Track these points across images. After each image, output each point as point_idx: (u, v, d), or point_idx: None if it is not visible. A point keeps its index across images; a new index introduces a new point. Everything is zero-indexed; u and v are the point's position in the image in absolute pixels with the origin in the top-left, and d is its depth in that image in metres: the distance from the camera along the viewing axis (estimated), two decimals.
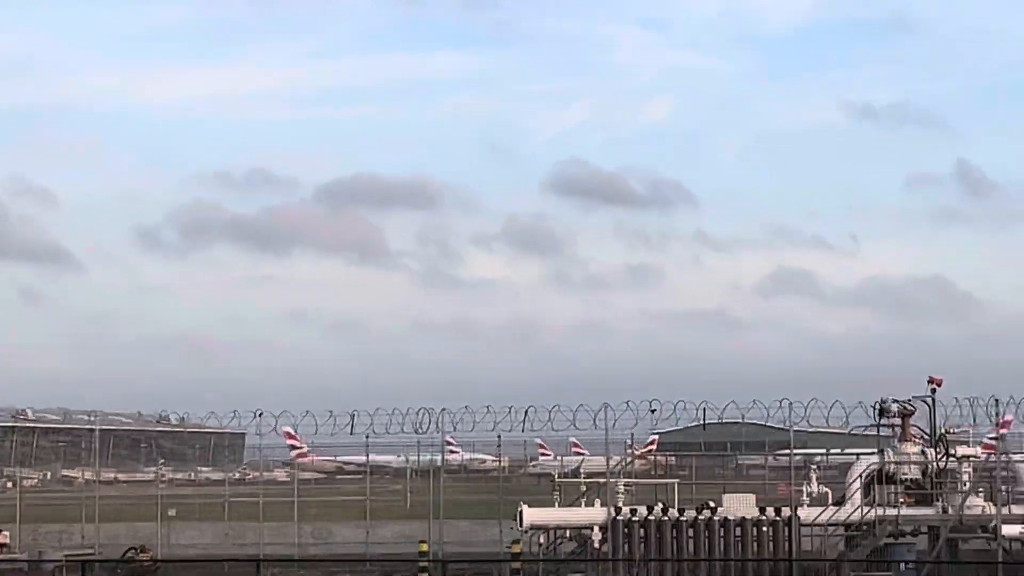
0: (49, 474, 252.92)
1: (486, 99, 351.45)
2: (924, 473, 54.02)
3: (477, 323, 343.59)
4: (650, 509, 50.92)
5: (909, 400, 54.73)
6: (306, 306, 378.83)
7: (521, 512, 50.67)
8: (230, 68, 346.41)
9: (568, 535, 52.14)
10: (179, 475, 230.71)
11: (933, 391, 54.52)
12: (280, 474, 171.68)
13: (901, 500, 53.18)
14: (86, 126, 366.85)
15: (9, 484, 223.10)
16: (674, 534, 50.81)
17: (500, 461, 77.09)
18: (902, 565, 51.10)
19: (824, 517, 52.33)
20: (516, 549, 52.03)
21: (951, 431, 55.19)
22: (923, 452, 54.11)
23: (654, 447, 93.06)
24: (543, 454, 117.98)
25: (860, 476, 53.66)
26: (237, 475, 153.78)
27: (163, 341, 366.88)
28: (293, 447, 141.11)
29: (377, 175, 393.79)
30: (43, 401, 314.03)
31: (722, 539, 50.93)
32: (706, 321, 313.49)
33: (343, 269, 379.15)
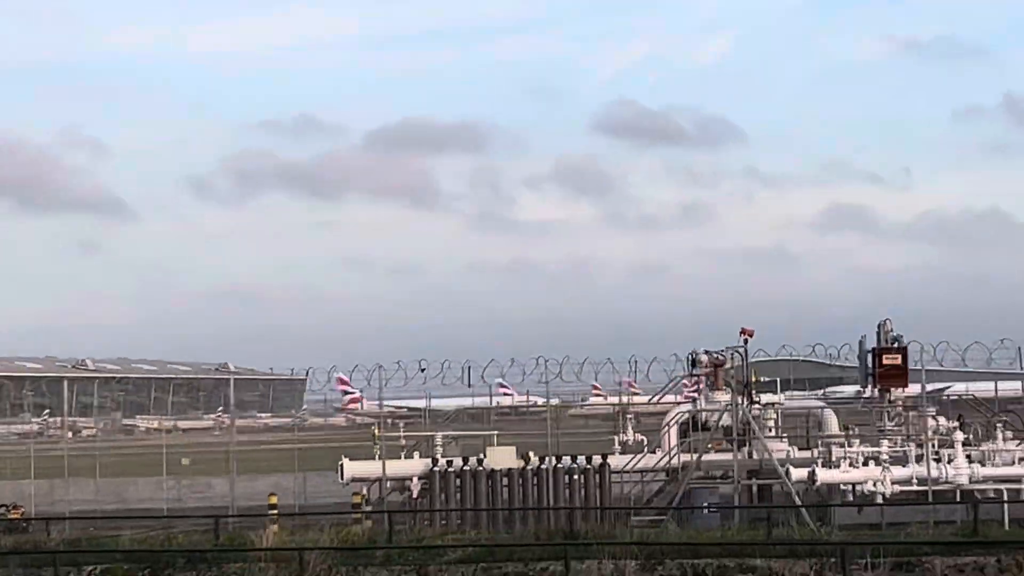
0: (110, 423, 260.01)
1: (534, 41, 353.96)
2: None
3: (531, 265, 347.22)
4: (465, 460, 54.79)
5: (721, 351, 58.35)
6: (361, 252, 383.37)
7: (342, 465, 54.59)
8: (277, 16, 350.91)
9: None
10: (239, 422, 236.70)
11: (745, 341, 58.03)
12: (339, 420, 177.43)
13: (710, 446, 56.89)
14: (136, 77, 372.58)
15: (70, 434, 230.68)
16: (489, 484, 54.62)
17: (548, 402, 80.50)
18: (705, 509, 54.60)
19: (635, 465, 56.12)
20: (356, 500, 56.20)
21: (760, 380, 58.93)
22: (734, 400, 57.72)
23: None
24: (596, 394, 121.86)
25: (668, 424, 57.33)
26: (296, 421, 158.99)
27: (220, 289, 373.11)
28: (346, 392, 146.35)
29: (426, 119, 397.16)
30: (103, 351, 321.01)
31: (535, 488, 54.74)
32: (761, 258, 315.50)
33: (396, 214, 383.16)
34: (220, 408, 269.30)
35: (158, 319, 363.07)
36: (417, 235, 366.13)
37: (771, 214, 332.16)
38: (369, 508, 54.54)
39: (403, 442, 55.87)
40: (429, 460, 54.67)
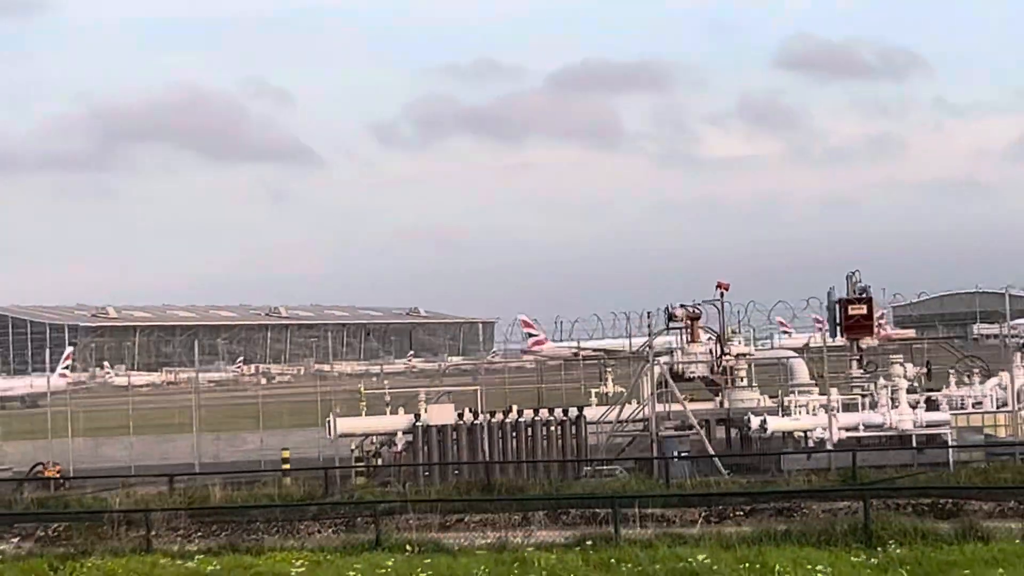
0: (303, 369, 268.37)
1: None
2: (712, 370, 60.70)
3: (717, 202, 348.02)
4: (475, 414, 57.91)
5: (696, 304, 61.34)
6: (545, 194, 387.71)
7: (330, 422, 58.61)
8: None
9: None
10: (429, 365, 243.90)
11: (721, 295, 60.99)
12: (527, 361, 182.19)
13: (684, 396, 59.91)
14: (317, 25, 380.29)
15: (263, 380, 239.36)
16: (469, 438, 58.19)
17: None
18: (674, 456, 57.57)
19: (611, 416, 59.34)
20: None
21: (733, 331, 61.72)
22: (710, 352, 60.73)
23: (883, 321, 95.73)
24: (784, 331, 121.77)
25: (638, 376, 60.36)
26: (486, 362, 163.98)
27: (408, 234, 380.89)
28: (530, 335, 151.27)
29: (606, 60, 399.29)
30: (295, 298, 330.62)
31: (514, 439, 58.22)
32: (952, 189, 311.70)
33: (579, 155, 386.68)
34: (411, 352, 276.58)
35: (348, 265, 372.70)
36: (601, 176, 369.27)
37: (961, 144, 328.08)
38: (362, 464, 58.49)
39: (387, 398, 59.62)
40: (412, 416, 58.33)
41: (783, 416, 56.35)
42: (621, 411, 58.61)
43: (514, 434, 57.40)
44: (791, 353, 64.40)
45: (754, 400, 59.20)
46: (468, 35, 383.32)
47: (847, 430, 55.73)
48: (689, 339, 61.01)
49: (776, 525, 35.22)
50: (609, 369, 63.30)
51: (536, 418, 57.03)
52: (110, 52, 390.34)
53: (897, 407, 55.79)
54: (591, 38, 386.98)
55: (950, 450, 51.01)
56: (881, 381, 56.82)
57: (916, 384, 58.79)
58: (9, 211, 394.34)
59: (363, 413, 59.48)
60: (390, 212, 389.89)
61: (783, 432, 56.64)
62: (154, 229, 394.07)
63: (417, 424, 57.82)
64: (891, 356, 59.54)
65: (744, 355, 60.14)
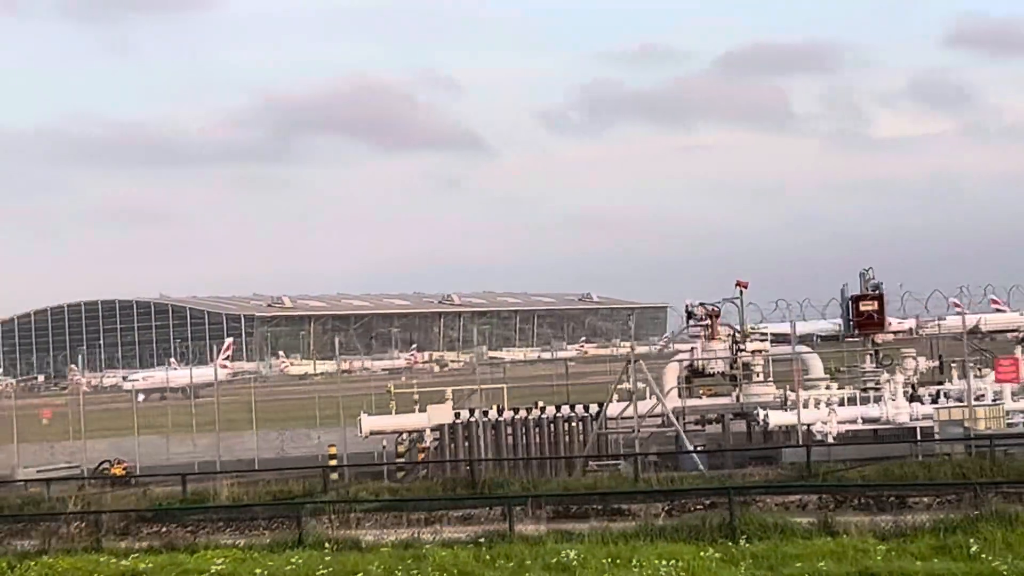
0: (475, 357, 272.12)
1: None
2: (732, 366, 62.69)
3: (890, 182, 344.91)
4: (471, 412, 61.20)
5: (717, 303, 63.39)
6: (716, 176, 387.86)
7: (360, 420, 61.80)
8: None
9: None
10: (602, 351, 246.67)
11: (740, 293, 63.00)
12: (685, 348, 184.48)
13: (702, 392, 62.11)
14: (480, 13, 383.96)
15: (436, 368, 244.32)
16: (493, 434, 60.98)
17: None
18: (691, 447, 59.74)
19: (629, 411, 61.64)
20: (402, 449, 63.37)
21: (754, 328, 63.60)
22: (730, 348, 62.73)
23: None
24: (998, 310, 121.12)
25: (645, 375, 62.76)
26: (658, 347, 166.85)
27: (580, 220, 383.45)
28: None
29: (774, 42, 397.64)
30: (468, 285, 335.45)
31: (538, 435, 60.80)
32: None
33: (750, 137, 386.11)
34: (583, 338, 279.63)
35: (520, 252, 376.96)
36: (771, 158, 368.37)
37: None
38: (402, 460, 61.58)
39: (416, 397, 62.71)
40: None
41: (786, 411, 58.16)
42: (633, 407, 60.88)
43: (525, 429, 59.81)
44: (807, 349, 65.99)
45: (769, 395, 61.02)
46: (632, 19, 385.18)
47: (846, 423, 57.40)
48: (710, 336, 62.97)
49: (658, 521, 37.42)
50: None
51: (543, 416, 59.40)
52: (282, 45, 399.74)
53: (894, 400, 57.28)
54: (756, 20, 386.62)
55: (913, 444, 52.51)
56: (884, 376, 58.39)
57: (928, 377, 60.22)
58: (188, 203, 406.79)
59: (393, 411, 62.54)
60: (561, 198, 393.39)
61: (786, 426, 58.41)
62: (328, 219, 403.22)
63: (443, 422, 60.81)
64: (903, 350, 60.90)
65: (760, 351, 61.96)
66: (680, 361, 63.37)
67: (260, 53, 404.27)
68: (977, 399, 56.99)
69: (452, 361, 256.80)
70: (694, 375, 62.64)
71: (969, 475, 45.89)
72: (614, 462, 56.92)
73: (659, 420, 60.44)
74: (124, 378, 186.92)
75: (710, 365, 62.34)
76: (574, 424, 60.16)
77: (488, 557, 35.25)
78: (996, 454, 48.07)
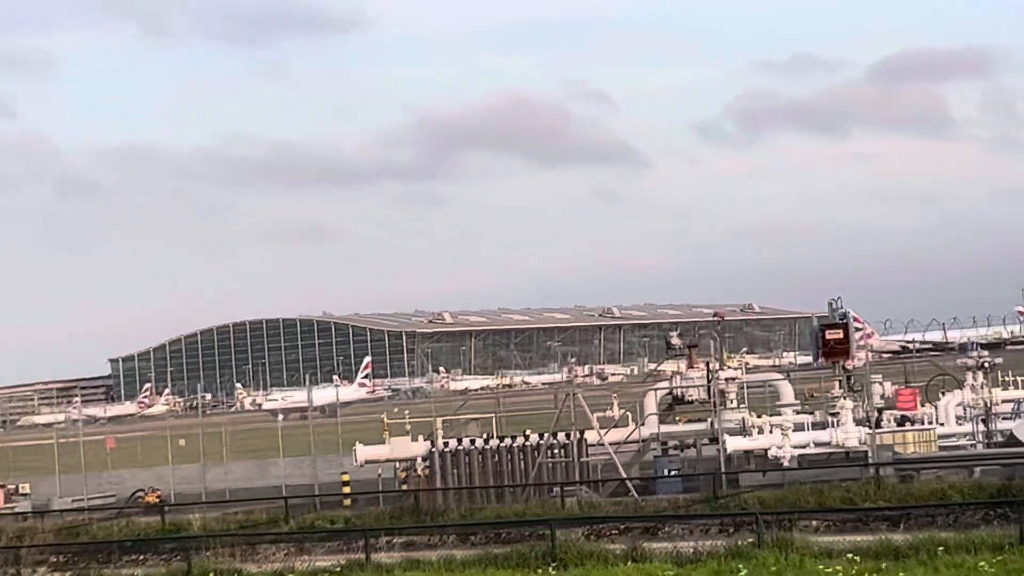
0: (635, 369, 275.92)
1: None
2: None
3: None
4: (459, 441, 64.92)
5: (693, 335, 66.61)
6: (875, 184, 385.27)
7: (355, 450, 65.82)
8: None
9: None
10: (763, 362, 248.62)
11: (718, 323, 66.10)
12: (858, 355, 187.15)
13: (678, 419, 65.26)
14: (629, 27, 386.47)
15: (596, 380, 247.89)
16: (480, 461, 64.59)
17: None
18: (664, 472, 62.95)
19: (609, 438, 64.98)
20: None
21: (730, 356, 66.61)
22: (706, 377, 65.74)
23: (871, 331, 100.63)
24: None
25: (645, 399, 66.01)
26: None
27: (738, 229, 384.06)
28: (857, 329, 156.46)
29: (928, 48, 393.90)
30: (629, 297, 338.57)
31: (522, 462, 64.41)
32: None
33: (907, 144, 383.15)
34: (744, 350, 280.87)
35: (680, 263, 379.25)
36: (931, 164, 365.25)
37: None
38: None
39: (408, 427, 66.64)
40: (429, 443, 65.16)
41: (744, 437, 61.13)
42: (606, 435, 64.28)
43: (521, 456, 63.51)
44: (778, 376, 68.72)
45: (740, 420, 63.91)
46: (782, 30, 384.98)
47: (799, 448, 60.15)
48: (688, 365, 66.14)
49: (495, 549, 41.15)
50: (614, 395, 68.58)
51: (513, 444, 62.92)
52: (433, 62, 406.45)
53: (843, 426, 59.90)
54: (908, 28, 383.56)
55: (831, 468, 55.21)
56: (841, 401, 61.03)
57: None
58: (347, 221, 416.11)
59: (387, 440, 66.53)
60: (718, 208, 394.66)
61: (745, 451, 61.32)
62: (486, 234, 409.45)
63: (432, 451, 64.67)
64: (871, 376, 63.35)
65: (733, 379, 64.87)
66: (657, 389, 66.44)
67: (412, 71, 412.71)
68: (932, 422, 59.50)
69: (612, 374, 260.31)
70: (676, 402, 65.75)
71: (856, 500, 48.84)
72: (572, 487, 60.43)
73: (636, 446, 63.88)
74: (265, 399, 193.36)
75: (688, 393, 65.42)
76: (556, 451, 63.61)
77: None
78: (883, 480, 50.69)
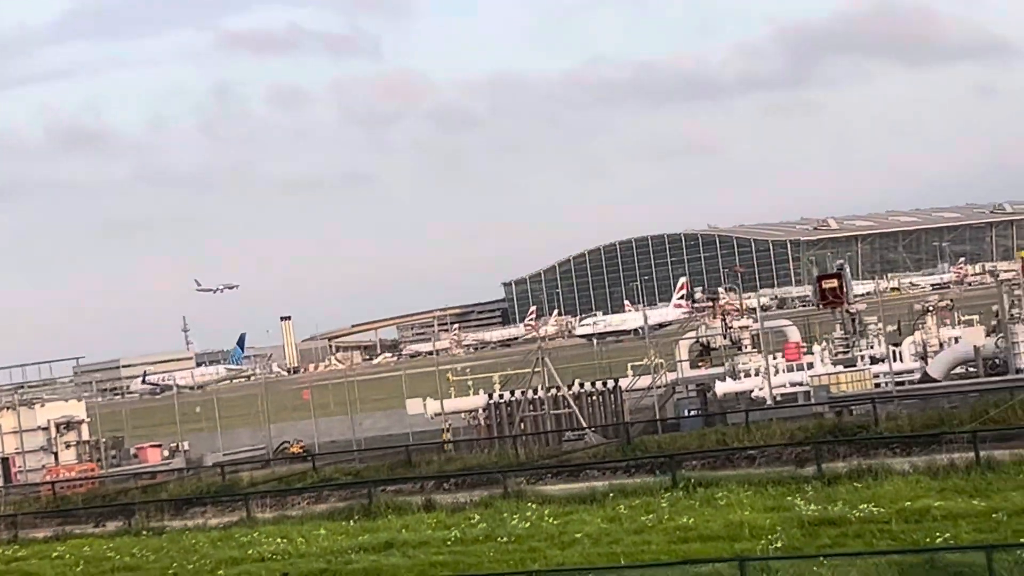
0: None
1: None
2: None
3: None
4: (512, 392, 73.19)
5: (718, 287, 73.04)
6: None
7: (425, 403, 74.88)
8: None
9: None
10: None
11: (736, 277, 72.41)
12: None
13: (700, 364, 72.07)
14: None
15: (988, 279, 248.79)
16: (530, 409, 72.70)
17: None
18: (686, 412, 69.76)
19: (641, 384, 72.29)
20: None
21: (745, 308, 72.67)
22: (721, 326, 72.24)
23: None
24: None
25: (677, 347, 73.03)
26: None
27: None
28: None
29: None
30: (1021, 193, 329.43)
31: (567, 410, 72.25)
32: None
33: None
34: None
35: None
36: None
37: None
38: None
39: (470, 382, 75.37)
40: (487, 396, 73.63)
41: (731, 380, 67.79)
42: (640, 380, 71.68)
43: (565, 404, 71.56)
44: (787, 323, 74.21)
45: (750, 364, 70.28)
46: None
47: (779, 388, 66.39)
48: (713, 316, 72.82)
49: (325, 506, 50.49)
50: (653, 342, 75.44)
51: (549, 394, 70.89)
52: None
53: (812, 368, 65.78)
54: None
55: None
56: (819, 345, 66.90)
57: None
58: (720, 135, 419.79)
59: (452, 395, 75.38)
60: None
61: (735, 393, 67.85)
62: (862, 139, 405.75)
63: (490, 402, 73.18)
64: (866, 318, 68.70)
65: (746, 327, 71.25)
66: (687, 338, 73.30)
67: None
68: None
69: (1004, 271, 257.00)
70: (705, 350, 72.62)
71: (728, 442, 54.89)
72: (581, 432, 68.14)
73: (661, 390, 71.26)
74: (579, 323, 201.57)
75: (713, 340, 72.16)
76: (594, 399, 71.36)
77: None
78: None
